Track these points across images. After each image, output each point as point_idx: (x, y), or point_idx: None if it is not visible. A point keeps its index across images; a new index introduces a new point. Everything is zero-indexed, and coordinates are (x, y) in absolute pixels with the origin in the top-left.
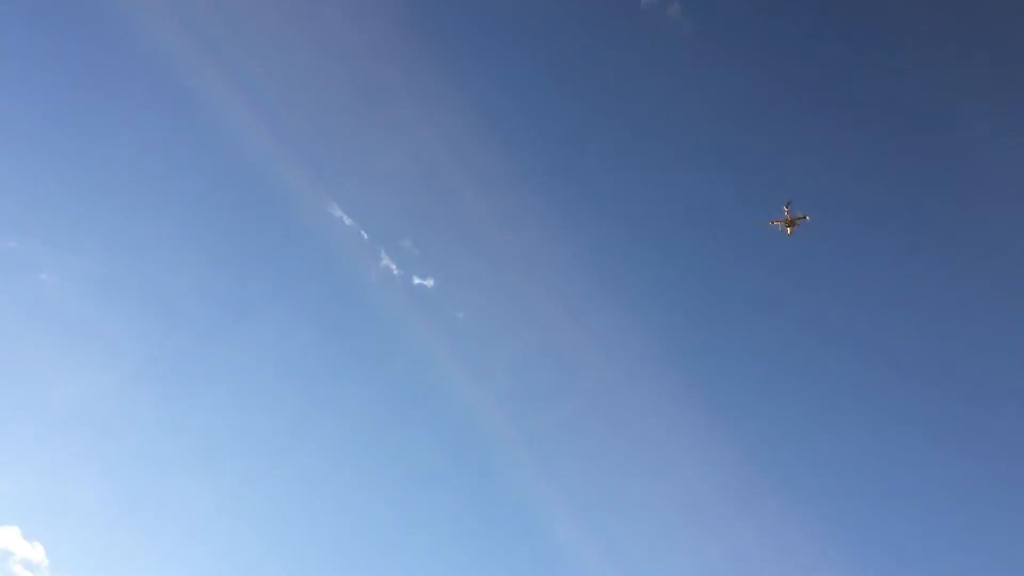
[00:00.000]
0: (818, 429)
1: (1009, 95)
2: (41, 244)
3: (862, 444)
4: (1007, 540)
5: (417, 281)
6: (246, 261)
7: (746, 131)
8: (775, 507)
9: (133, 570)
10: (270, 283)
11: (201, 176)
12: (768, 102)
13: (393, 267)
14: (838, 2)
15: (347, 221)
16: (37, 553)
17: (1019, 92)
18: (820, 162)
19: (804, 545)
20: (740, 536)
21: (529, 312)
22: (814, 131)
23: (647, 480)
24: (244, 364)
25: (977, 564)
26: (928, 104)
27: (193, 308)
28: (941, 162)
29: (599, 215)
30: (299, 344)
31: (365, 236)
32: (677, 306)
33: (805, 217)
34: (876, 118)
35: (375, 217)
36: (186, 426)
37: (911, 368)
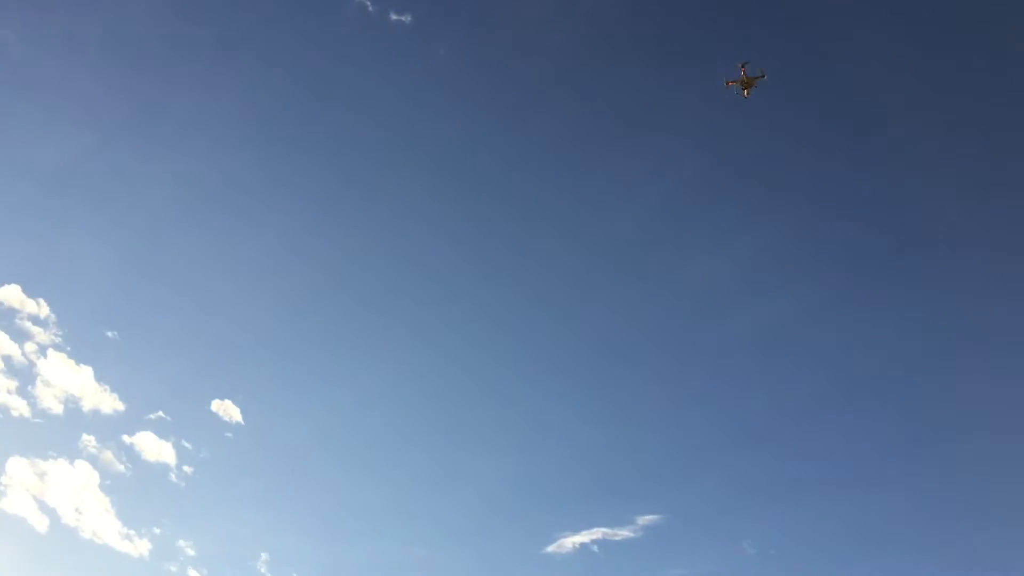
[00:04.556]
0: None
1: None
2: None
3: None
4: None
5: (394, 17)
6: (209, 6)
7: None
8: None
9: (137, 311)
10: (237, 29)
11: None
12: None
13: (367, 3)
14: None
15: None
16: (42, 309)
17: None
18: None
19: None
20: None
21: (520, 48)
22: None
23: None
24: (219, 113)
25: None
26: None
27: (162, 59)
28: None
29: None
30: (274, 91)
31: None
32: None
33: (762, 76)
34: None
35: None
36: (174, 176)
37: None
